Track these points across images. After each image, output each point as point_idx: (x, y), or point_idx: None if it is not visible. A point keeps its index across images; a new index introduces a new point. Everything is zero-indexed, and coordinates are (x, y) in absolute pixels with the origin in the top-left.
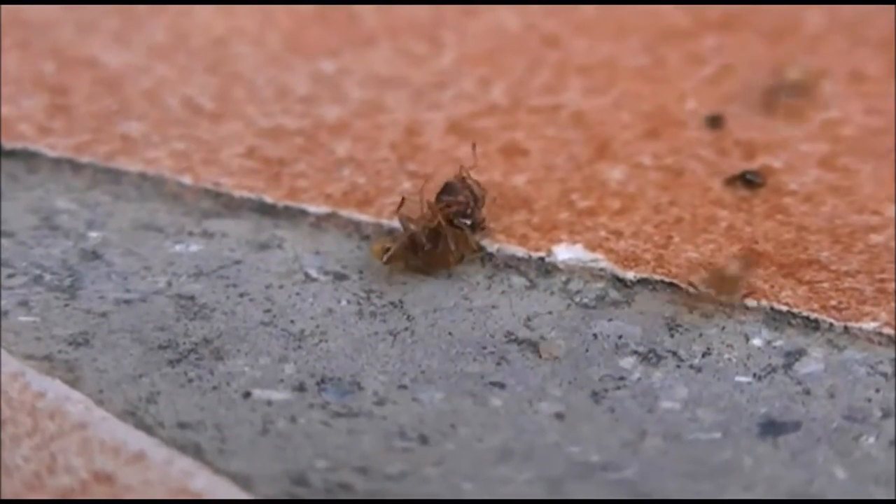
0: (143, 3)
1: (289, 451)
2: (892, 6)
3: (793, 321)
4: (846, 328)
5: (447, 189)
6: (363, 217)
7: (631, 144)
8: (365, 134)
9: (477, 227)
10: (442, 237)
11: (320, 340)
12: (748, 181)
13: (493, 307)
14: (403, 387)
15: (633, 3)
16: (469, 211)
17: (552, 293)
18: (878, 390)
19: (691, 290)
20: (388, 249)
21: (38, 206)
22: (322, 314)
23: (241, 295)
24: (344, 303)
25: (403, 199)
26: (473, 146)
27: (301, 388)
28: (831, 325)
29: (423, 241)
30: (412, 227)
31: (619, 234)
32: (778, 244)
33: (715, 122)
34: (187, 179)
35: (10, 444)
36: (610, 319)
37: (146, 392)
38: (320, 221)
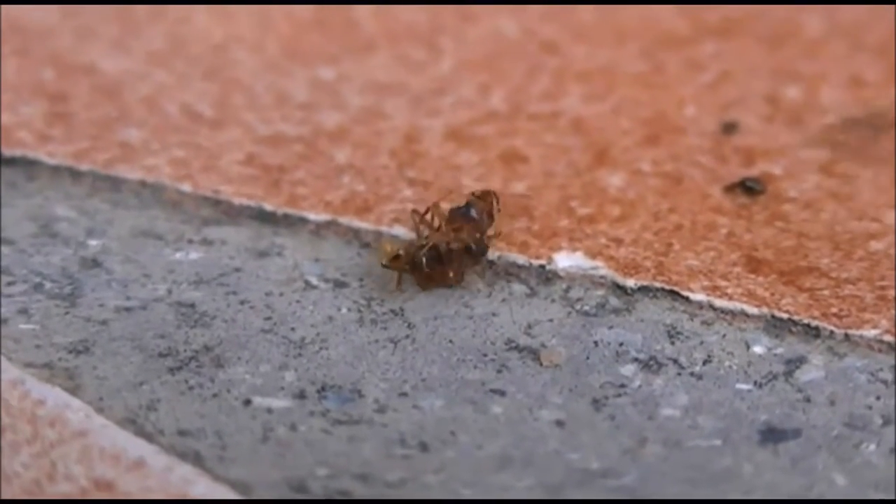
0: (143, 2)
1: (289, 458)
2: (892, 8)
3: (793, 328)
4: (847, 335)
5: (467, 207)
6: (363, 224)
7: (630, 151)
8: (364, 141)
9: (487, 248)
10: (447, 257)
11: (321, 348)
12: (748, 188)
13: (494, 315)
14: (404, 394)
15: (631, 3)
16: (480, 234)
17: (553, 301)
18: (878, 397)
19: None
20: (396, 256)
21: (37, 213)
22: (322, 322)
23: (242, 302)
24: (344, 310)
25: (434, 203)
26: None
27: (301, 395)
28: (832, 332)
29: (426, 261)
30: (425, 239)
31: (619, 242)
32: (778, 251)
33: (729, 128)
34: (187, 187)
35: (9, 451)
36: (610, 327)
37: (146, 399)
38: (320, 229)
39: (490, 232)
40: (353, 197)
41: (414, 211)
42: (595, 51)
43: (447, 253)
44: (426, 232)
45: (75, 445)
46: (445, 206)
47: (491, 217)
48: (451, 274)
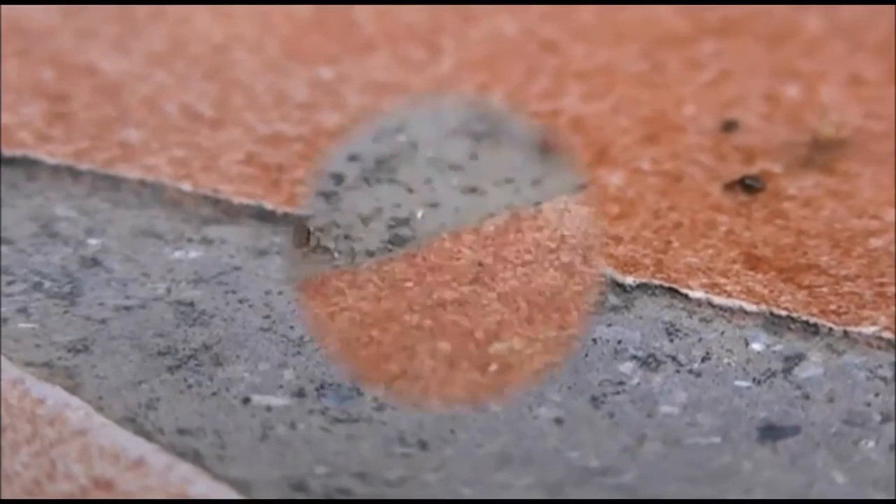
0: (143, 3)
1: (288, 456)
2: (892, 8)
3: (792, 325)
4: (845, 332)
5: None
6: None
7: (630, 150)
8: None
9: None
10: None
11: (319, 346)
12: (747, 186)
13: None
14: None
15: (631, 4)
16: None
17: None
18: (877, 394)
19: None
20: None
21: (37, 213)
22: None
23: (241, 301)
24: None
25: None
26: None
27: (300, 393)
28: (831, 329)
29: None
30: None
31: (618, 240)
32: (777, 249)
33: (729, 127)
34: (186, 186)
35: (9, 450)
36: (609, 324)
37: (146, 398)
38: None
39: None
40: None
41: None
42: (595, 50)
43: None
44: None
45: (75, 444)
46: None
47: None
48: None
